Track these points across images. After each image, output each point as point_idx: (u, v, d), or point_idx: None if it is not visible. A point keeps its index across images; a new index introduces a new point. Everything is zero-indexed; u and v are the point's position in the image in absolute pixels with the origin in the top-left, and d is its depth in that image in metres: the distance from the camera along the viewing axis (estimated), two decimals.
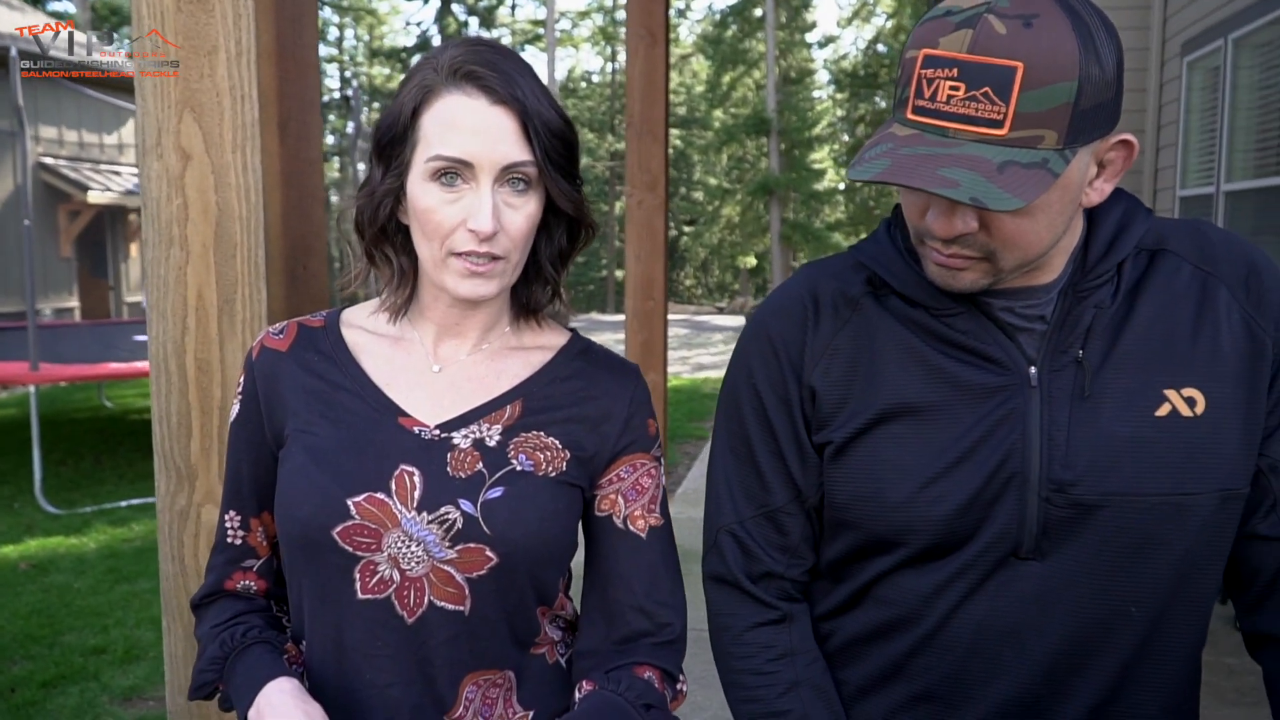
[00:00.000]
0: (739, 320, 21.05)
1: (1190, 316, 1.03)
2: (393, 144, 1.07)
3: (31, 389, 6.53)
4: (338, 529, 1.06)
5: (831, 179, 32.56)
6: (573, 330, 1.22)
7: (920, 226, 1.00)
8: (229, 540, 1.18)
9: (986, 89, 0.90)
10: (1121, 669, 1.04)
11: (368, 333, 1.17)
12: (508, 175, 1.04)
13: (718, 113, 32.32)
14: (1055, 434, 1.01)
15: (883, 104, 31.76)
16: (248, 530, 1.18)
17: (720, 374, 13.51)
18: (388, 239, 1.12)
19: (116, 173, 14.63)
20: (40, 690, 3.97)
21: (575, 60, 38.49)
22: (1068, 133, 0.91)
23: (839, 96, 33.64)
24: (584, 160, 1.12)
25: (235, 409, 1.18)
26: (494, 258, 1.05)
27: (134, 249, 15.45)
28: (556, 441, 1.11)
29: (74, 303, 14.13)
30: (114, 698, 3.91)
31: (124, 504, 6.75)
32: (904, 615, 1.08)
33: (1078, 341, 1.03)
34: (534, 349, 1.17)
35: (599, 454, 1.13)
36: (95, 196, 13.47)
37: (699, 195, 32.65)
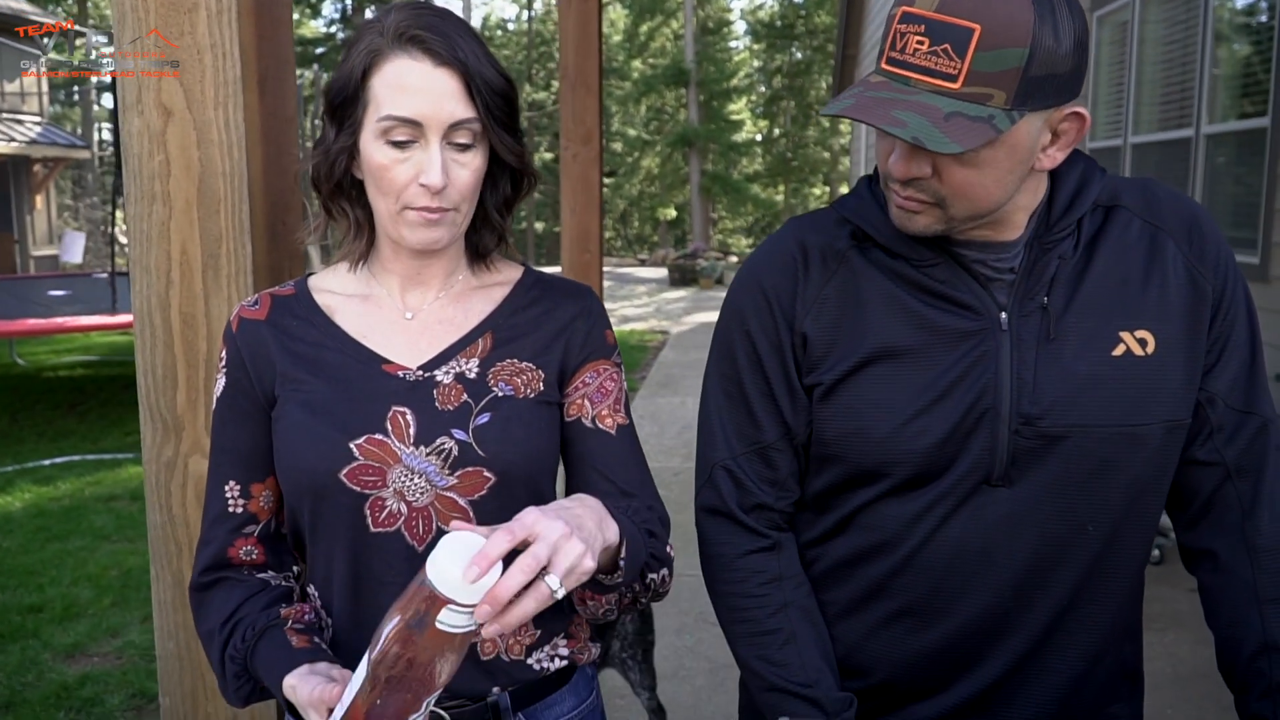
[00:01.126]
0: (661, 272, 21.14)
1: (1141, 266, 1.15)
2: (344, 105, 1.14)
3: None
4: (344, 471, 1.13)
5: (749, 130, 32.68)
6: (525, 264, 1.31)
7: (885, 169, 1.11)
8: (230, 510, 1.22)
9: (946, 45, 1.00)
10: (1079, 582, 1.16)
11: (336, 294, 1.24)
12: (454, 132, 1.11)
13: (636, 63, 32.13)
14: (1024, 373, 1.12)
15: (799, 55, 31.89)
16: (249, 497, 1.22)
17: (646, 326, 13.61)
18: (343, 193, 1.20)
19: (19, 121, 14.07)
20: None
21: (490, 8, 37.87)
22: (1016, 95, 1.01)
23: (756, 47, 33.69)
24: None
25: (220, 384, 1.23)
26: (444, 210, 1.13)
27: (39, 201, 14.91)
28: (530, 364, 1.21)
29: None
30: (56, 654, 3.90)
31: (46, 463, 6.64)
32: (886, 540, 1.19)
33: (1043, 289, 1.13)
34: (493, 285, 1.26)
35: (565, 366, 1.22)
36: None
37: (618, 146, 32.50)
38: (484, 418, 1.16)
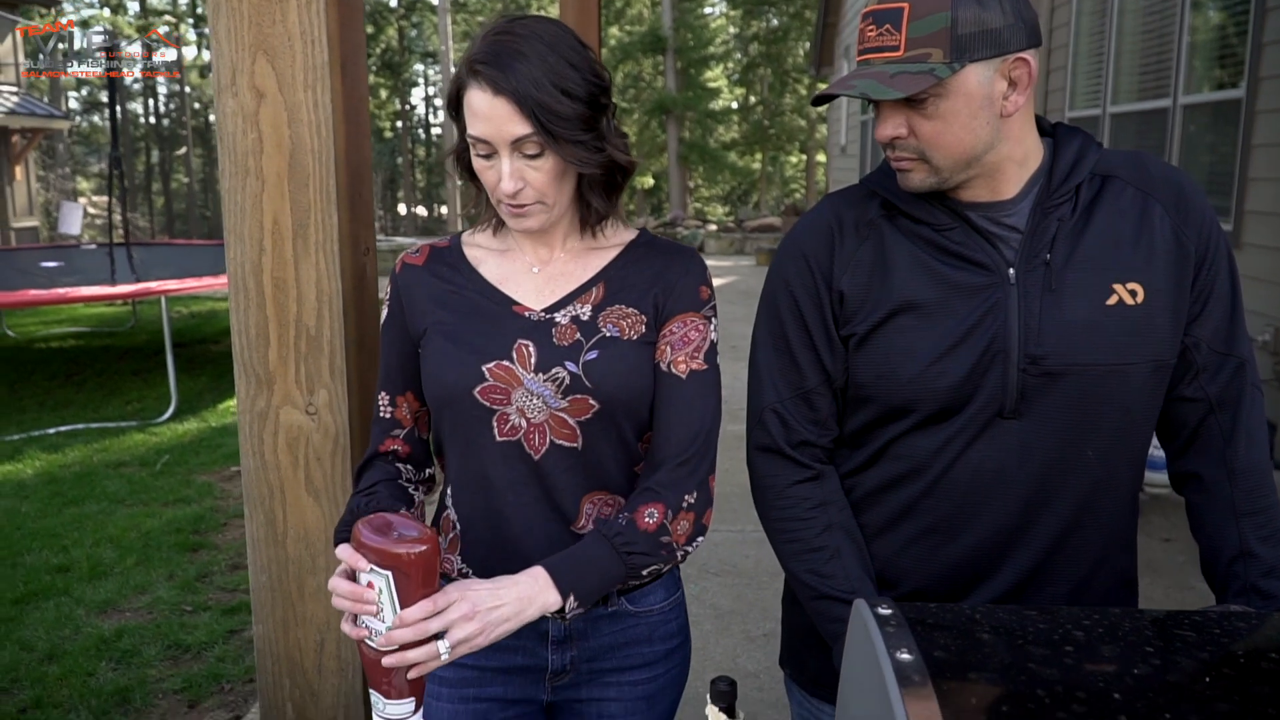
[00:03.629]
0: None
1: (1133, 227, 1.33)
2: (455, 117, 1.38)
3: None
4: (477, 389, 1.38)
5: (726, 97, 32.71)
6: (640, 229, 1.52)
7: (878, 139, 1.33)
8: (381, 415, 1.50)
9: (888, 25, 1.24)
10: (1079, 500, 1.35)
11: (482, 248, 1.49)
12: (521, 145, 1.31)
13: (613, 30, 32.05)
14: (1029, 320, 1.30)
15: (776, 22, 31.91)
16: (395, 406, 1.49)
17: None
18: (475, 178, 1.42)
19: None
20: (14, 607, 4.08)
21: None
22: (952, 50, 1.22)
23: (733, 14, 33.65)
24: None
25: (384, 313, 1.50)
26: (525, 205, 1.35)
27: (19, 172, 14.83)
28: (635, 310, 1.42)
29: None
30: (90, 610, 4.06)
31: (52, 431, 6.75)
32: (914, 468, 1.37)
33: (1045, 248, 1.32)
34: (608, 247, 1.48)
35: (659, 313, 1.43)
36: None
37: None
38: (592, 354, 1.38)
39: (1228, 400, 1.37)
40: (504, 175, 1.32)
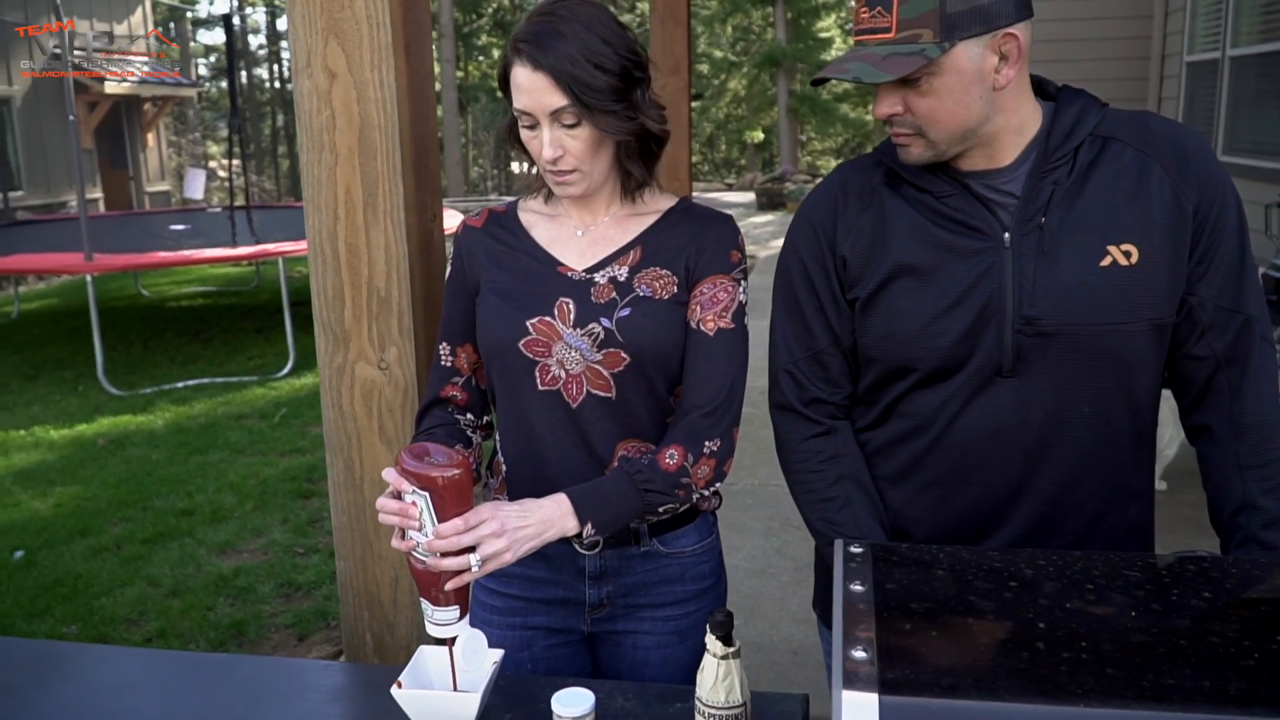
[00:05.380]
0: (749, 197, 21.15)
1: (1129, 189, 1.36)
2: (505, 93, 1.50)
3: (89, 279, 6.90)
4: (521, 342, 1.52)
5: (839, 48, 32.05)
6: (680, 197, 1.63)
7: (877, 118, 1.39)
8: (442, 363, 1.65)
9: (879, 8, 1.29)
10: (1080, 455, 1.40)
11: (534, 213, 1.64)
12: (559, 115, 1.43)
13: None
14: (1024, 282, 1.35)
15: None
16: (454, 356, 1.65)
17: None
18: (525, 148, 1.55)
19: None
20: (143, 546, 4.44)
21: None
22: (941, 30, 1.26)
23: None
24: None
25: (449, 270, 1.66)
26: (566, 171, 1.48)
27: (150, 139, 15.58)
28: (668, 272, 1.54)
29: (97, 194, 14.36)
30: (210, 550, 4.39)
31: (180, 385, 7.19)
32: (919, 425, 1.45)
33: (1040, 211, 1.36)
34: (648, 213, 1.60)
35: (690, 274, 1.55)
36: (111, 87, 13.59)
37: (704, 69, 32.18)
38: (625, 311, 1.51)
39: (1235, 356, 1.40)
40: (545, 143, 1.46)
